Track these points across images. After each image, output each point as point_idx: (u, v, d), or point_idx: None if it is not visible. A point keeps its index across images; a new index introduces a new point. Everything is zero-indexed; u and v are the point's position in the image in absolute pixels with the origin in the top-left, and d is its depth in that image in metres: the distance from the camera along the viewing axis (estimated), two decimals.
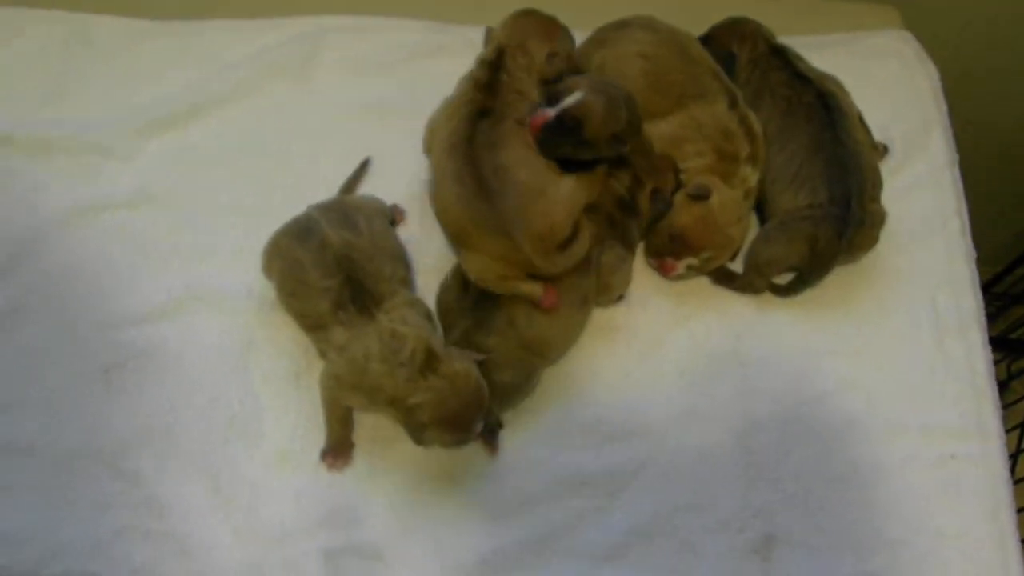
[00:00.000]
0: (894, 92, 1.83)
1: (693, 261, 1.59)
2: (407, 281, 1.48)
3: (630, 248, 1.59)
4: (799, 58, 1.72)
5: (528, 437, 1.49)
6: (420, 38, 1.80)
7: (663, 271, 1.62)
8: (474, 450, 1.47)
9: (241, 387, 1.49)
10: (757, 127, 1.64)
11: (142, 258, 1.60)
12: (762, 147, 1.64)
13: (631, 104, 1.49)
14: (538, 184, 1.44)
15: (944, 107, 1.84)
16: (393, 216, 1.61)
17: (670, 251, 1.60)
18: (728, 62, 1.71)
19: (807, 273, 1.61)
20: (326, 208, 1.48)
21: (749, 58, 1.74)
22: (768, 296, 1.63)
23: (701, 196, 1.58)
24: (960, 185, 1.76)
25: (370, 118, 1.65)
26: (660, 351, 1.58)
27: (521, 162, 1.45)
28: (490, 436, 1.48)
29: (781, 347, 1.59)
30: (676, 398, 1.54)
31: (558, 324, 1.49)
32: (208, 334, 1.53)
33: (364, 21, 1.84)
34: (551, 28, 1.63)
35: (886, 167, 1.71)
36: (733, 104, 1.64)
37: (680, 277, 1.62)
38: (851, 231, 1.56)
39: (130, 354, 1.52)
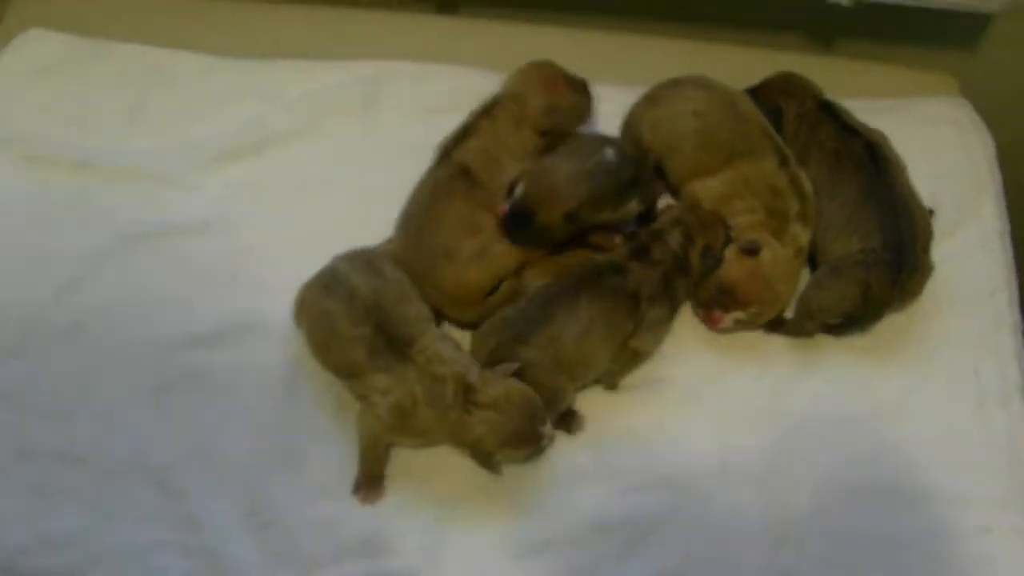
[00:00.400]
0: (948, 158, 1.83)
1: (740, 315, 1.61)
2: (432, 319, 1.53)
3: (674, 309, 1.62)
4: (846, 112, 1.74)
5: (556, 479, 1.51)
6: (473, 84, 1.85)
7: (710, 323, 1.63)
8: (502, 488, 1.49)
9: (285, 416, 1.54)
10: (808, 187, 1.66)
11: (199, 285, 1.66)
12: (812, 206, 1.66)
13: (597, 175, 1.55)
14: (448, 246, 1.56)
15: (998, 176, 1.83)
16: None
17: (718, 303, 1.62)
18: (774, 117, 1.74)
19: (859, 318, 1.62)
20: (351, 258, 1.53)
21: (796, 113, 1.76)
22: (808, 356, 1.63)
23: (752, 251, 1.60)
24: (1011, 255, 1.75)
25: (423, 158, 1.68)
26: (696, 404, 1.59)
27: (436, 222, 1.58)
28: (567, 420, 1.54)
29: (818, 407, 1.59)
30: (708, 452, 1.55)
31: (600, 351, 1.53)
32: (257, 362, 1.59)
33: (425, 68, 1.91)
34: (556, 81, 1.70)
35: (936, 231, 1.70)
36: (784, 163, 1.66)
37: (726, 330, 1.63)
38: (904, 276, 1.58)
39: (181, 376, 1.58)
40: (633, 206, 1.61)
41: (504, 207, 1.54)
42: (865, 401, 1.60)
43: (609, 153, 1.57)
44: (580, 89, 1.72)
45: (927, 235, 1.64)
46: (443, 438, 1.47)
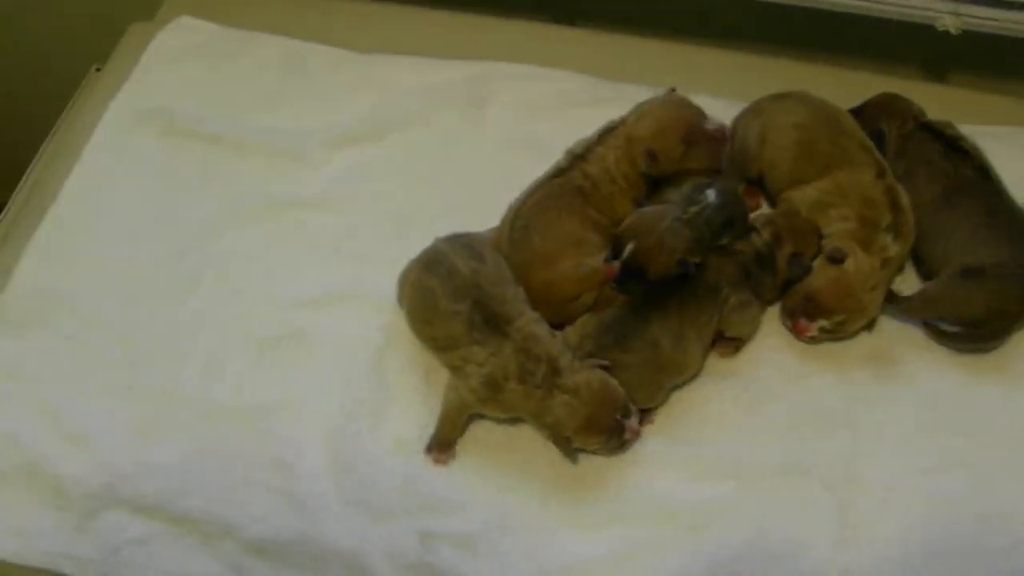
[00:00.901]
0: None
1: (825, 323, 1.63)
2: (528, 302, 1.59)
3: (758, 297, 1.65)
4: (949, 125, 1.77)
5: (625, 462, 1.55)
6: (580, 89, 1.96)
7: (796, 331, 1.66)
8: (571, 467, 1.55)
9: (375, 376, 1.63)
10: (904, 200, 1.68)
11: (310, 253, 1.78)
12: (908, 220, 1.67)
13: (698, 223, 1.57)
14: (549, 253, 1.63)
15: None
16: None
17: (804, 312, 1.64)
18: (878, 139, 1.76)
19: (981, 328, 1.63)
20: (452, 241, 1.61)
21: (898, 134, 1.78)
22: (887, 366, 1.64)
23: (837, 259, 1.63)
24: None
25: (528, 154, 1.77)
26: (773, 403, 1.61)
27: (544, 228, 1.65)
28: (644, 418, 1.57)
29: (894, 417, 1.59)
30: (780, 450, 1.56)
31: (695, 351, 1.58)
32: (354, 327, 1.68)
33: (534, 70, 2.02)
34: (673, 127, 1.70)
35: None
36: (881, 174, 1.69)
37: (812, 339, 1.65)
38: None
39: (284, 332, 1.69)
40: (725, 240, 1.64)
41: (613, 267, 1.56)
42: (941, 415, 1.59)
43: (711, 196, 1.60)
44: (697, 139, 1.70)
45: None
46: (526, 415, 1.54)
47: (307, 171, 1.89)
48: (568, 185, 1.70)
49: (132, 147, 1.93)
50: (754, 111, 1.81)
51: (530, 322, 1.54)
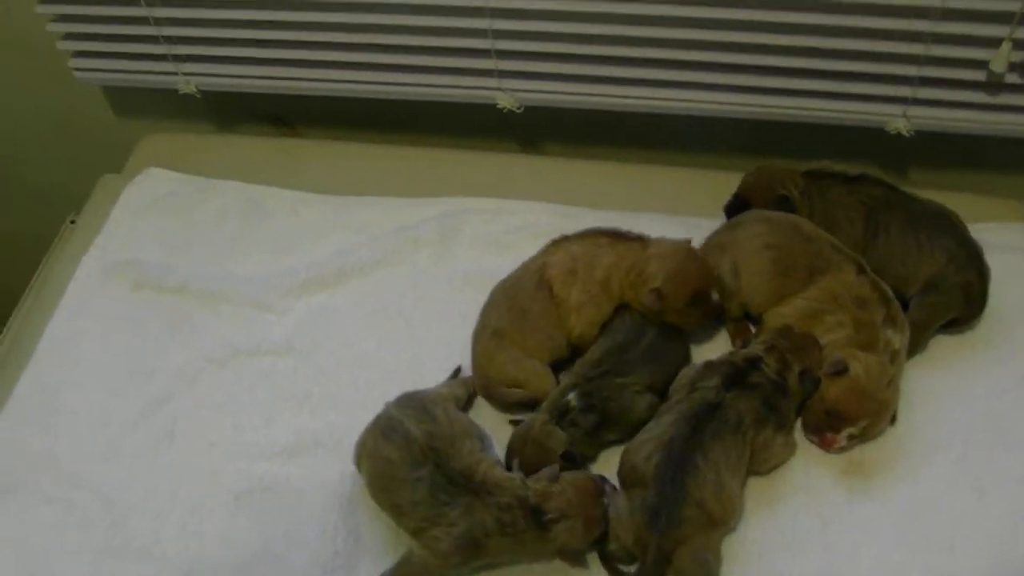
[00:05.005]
0: (1012, 284, 1.82)
1: (852, 431, 1.63)
2: (484, 449, 1.61)
3: (783, 427, 1.63)
4: (828, 164, 1.84)
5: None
6: (546, 220, 1.98)
7: (825, 446, 1.65)
8: None
9: (346, 527, 1.63)
10: (888, 290, 1.70)
11: (280, 401, 1.79)
12: (899, 309, 1.69)
13: (564, 418, 1.61)
14: (500, 330, 1.72)
15: None
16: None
17: (828, 426, 1.64)
18: (785, 205, 1.81)
19: (967, 316, 1.76)
20: (402, 405, 1.62)
21: (799, 192, 1.83)
22: (859, 484, 1.62)
23: (839, 372, 1.63)
24: None
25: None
26: (741, 531, 1.59)
27: (504, 305, 1.74)
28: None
29: (869, 535, 1.57)
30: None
31: (736, 490, 1.56)
32: (326, 475, 1.68)
33: (499, 203, 2.06)
34: (686, 281, 1.68)
35: (995, 358, 1.73)
36: (861, 270, 1.71)
37: (843, 449, 1.65)
38: (984, 261, 1.75)
39: (258, 485, 1.69)
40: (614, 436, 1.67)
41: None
42: (918, 531, 1.57)
43: (572, 401, 1.63)
44: (700, 302, 1.70)
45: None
46: (522, 558, 1.55)
47: (273, 318, 1.91)
48: (541, 279, 1.74)
49: (103, 302, 1.96)
50: (717, 247, 1.81)
51: (490, 468, 1.54)
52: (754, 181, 1.88)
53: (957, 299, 1.75)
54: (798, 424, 1.68)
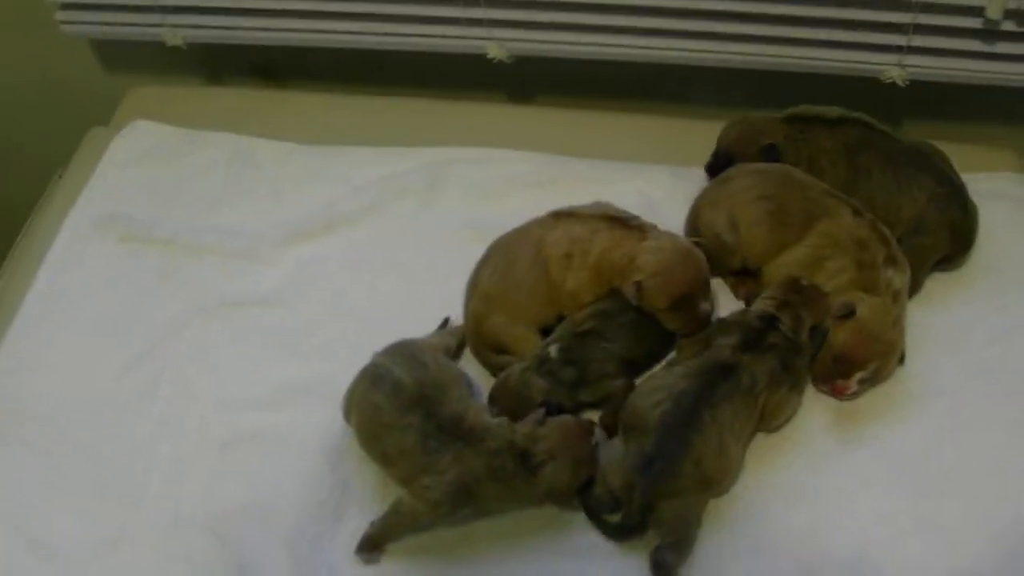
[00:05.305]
0: (1006, 233, 1.82)
1: (863, 374, 1.61)
2: (472, 395, 1.61)
3: (795, 386, 1.62)
4: (808, 107, 1.83)
5: (572, 552, 1.52)
6: (533, 169, 1.97)
7: (836, 393, 1.63)
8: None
9: (334, 475, 1.62)
10: (887, 231, 1.69)
11: (268, 351, 1.79)
12: (898, 249, 1.68)
13: (543, 367, 1.60)
14: (489, 294, 1.70)
15: None
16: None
17: (838, 373, 1.62)
18: (772, 154, 1.80)
19: (956, 254, 1.76)
20: (391, 353, 1.61)
21: (783, 140, 1.82)
22: (850, 433, 1.61)
23: (847, 314, 1.62)
24: None
25: (483, 238, 1.78)
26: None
27: (502, 267, 1.72)
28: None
29: (860, 485, 1.56)
30: (745, 529, 1.53)
31: (736, 454, 1.55)
32: (313, 426, 1.67)
33: (485, 153, 2.03)
34: (670, 282, 1.61)
35: (990, 307, 1.72)
36: (857, 213, 1.69)
37: (855, 395, 1.63)
38: (967, 197, 1.75)
39: (245, 435, 1.69)
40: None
41: None
42: (909, 478, 1.56)
43: (552, 352, 1.62)
44: (684, 308, 1.62)
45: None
46: (511, 504, 1.54)
47: (262, 269, 1.90)
48: (544, 253, 1.70)
49: (91, 255, 1.95)
50: (710, 204, 1.78)
51: (478, 414, 1.54)
52: (737, 134, 1.86)
53: (943, 237, 1.74)
54: None
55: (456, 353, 1.73)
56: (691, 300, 1.62)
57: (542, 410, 1.53)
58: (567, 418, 1.54)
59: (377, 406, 1.54)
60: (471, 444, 1.49)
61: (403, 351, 1.61)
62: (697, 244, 1.68)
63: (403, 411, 1.52)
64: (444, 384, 1.56)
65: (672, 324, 1.65)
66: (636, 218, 1.72)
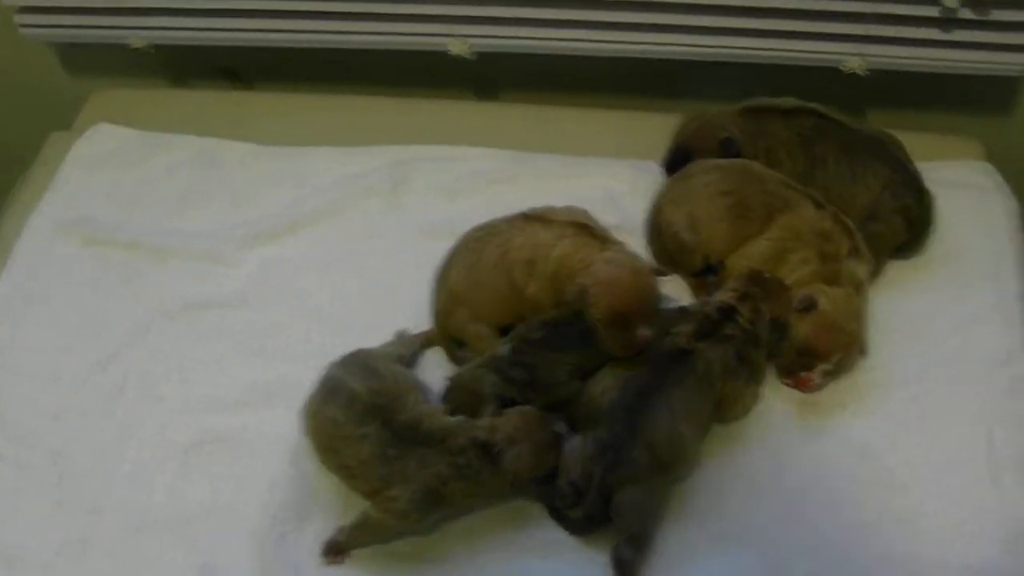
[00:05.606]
0: (969, 222, 1.82)
1: (826, 367, 1.62)
2: (428, 400, 1.60)
3: (753, 377, 1.62)
4: (762, 99, 1.84)
5: (526, 550, 1.53)
6: (497, 166, 1.96)
7: (801, 387, 1.64)
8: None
9: (298, 475, 1.62)
10: (849, 221, 1.69)
11: (232, 354, 1.78)
12: (861, 240, 1.69)
13: (493, 364, 1.60)
14: (456, 292, 1.71)
15: (1020, 240, 1.80)
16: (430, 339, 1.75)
17: (801, 366, 1.63)
18: (731, 148, 1.80)
19: (912, 241, 1.77)
20: (346, 364, 1.60)
21: (740, 133, 1.82)
22: (813, 424, 1.62)
23: (808, 307, 1.62)
24: None
25: (448, 237, 1.78)
26: (697, 473, 1.58)
27: (468, 264, 1.72)
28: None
29: (824, 476, 1.57)
30: (709, 522, 1.53)
31: (690, 441, 1.54)
32: (277, 426, 1.66)
33: (449, 150, 2.03)
34: (615, 299, 1.58)
35: (952, 294, 1.72)
36: (819, 205, 1.70)
37: (819, 387, 1.63)
38: (922, 184, 1.77)
39: (209, 438, 1.68)
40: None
41: None
42: (871, 471, 1.57)
43: (503, 352, 1.61)
44: (621, 327, 1.58)
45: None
46: (479, 501, 1.53)
47: (225, 271, 1.89)
48: (510, 257, 1.69)
49: (53, 258, 1.94)
50: (671, 202, 1.78)
51: (435, 415, 1.53)
52: (694, 129, 1.86)
53: (898, 225, 1.75)
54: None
55: (410, 362, 1.72)
56: (629, 320, 1.58)
57: (496, 404, 1.53)
58: (524, 407, 1.54)
59: (333, 419, 1.53)
60: (432, 446, 1.48)
61: (356, 361, 1.60)
62: (658, 273, 1.65)
63: (359, 421, 1.51)
64: (399, 391, 1.55)
65: (608, 340, 1.60)
66: (607, 232, 1.71)
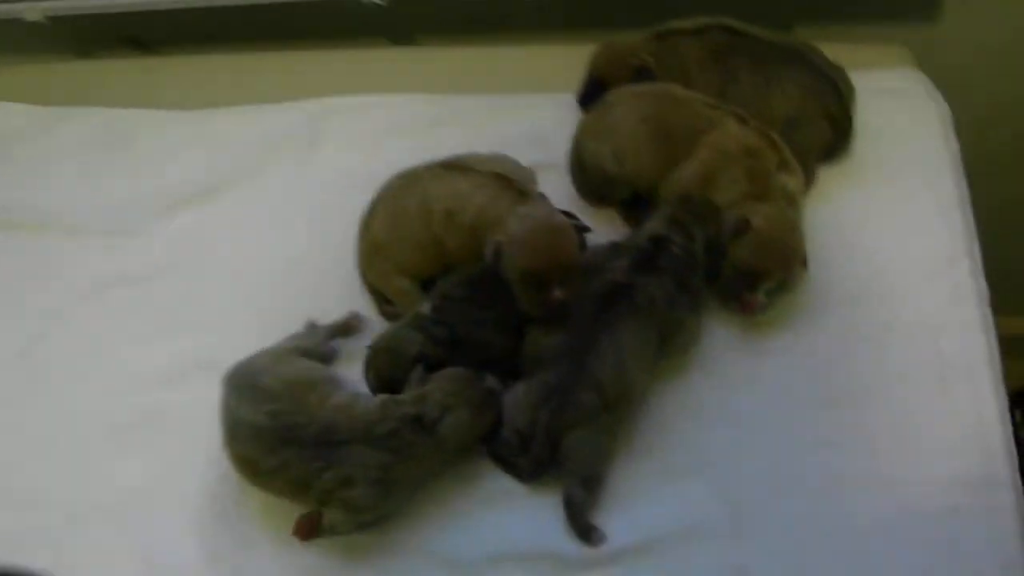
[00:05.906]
0: (903, 130, 1.78)
1: (769, 285, 1.57)
2: (335, 384, 1.51)
3: (695, 308, 1.58)
4: (671, 23, 1.80)
5: (489, 501, 1.49)
6: (416, 113, 1.90)
7: (746, 310, 1.58)
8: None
9: None
10: (776, 135, 1.65)
11: (156, 328, 1.73)
12: (788, 152, 1.65)
13: (416, 323, 1.55)
14: (377, 242, 1.67)
15: (955, 145, 1.76)
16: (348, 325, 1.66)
17: (744, 287, 1.58)
18: (646, 74, 1.76)
19: (839, 143, 1.74)
20: (236, 387, 1.50)
21: (654, 59, 1.77)
22: (757, 347, 1.59)
23: (742, 229, 1.57)
24: (972, 225, 1.67)
25: (368, 189, 1.72)
26: (643, 408, 1.54)
27: (389, 215, 1.67)
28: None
29: (772, 400, 1.54)
30: (657, 457, 1.49)
31: (638, 375, 1.49)
32: (207, 399, 1.57)
33: (366, 99, 1.97)
34: (532, 255, 1.51)
35: (891, 203, 1.69)
36: (742, 121, 1.65)
37: (764, 307, 1.59)
38: (842, 85, 1.73)
39: (140, 417, 1.63)
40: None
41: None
42: (821, 389, 1.53)
43: (425, 309, 1.56)
44: (537, 286, 1.51)
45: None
46: (426, 475, 1.47)
47: (143, 242, 1.84)
48: (428, 205, 1.64)
49: None
50: (592, 135, 1.73)
51: (352, 402, 1.46)
52: (606, 60, 1.81)
53: (822, 128, 1.72)
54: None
55: (325, 350, 1.62)
56: (543, 280, 1.50)
57: (420, 368, 1.47)
58: (451, 368, 1.48)
59: (245, 458, 1.46)
60: (358, 442, 1.41)
61: (244, 383, 1.50)
62: (579, 229, 1.59)
63: (271, 451, 1.43)
64: (297, 401, 1.46)
65: (522, 300, 1.53)
66: (528, 184, 1.64)
